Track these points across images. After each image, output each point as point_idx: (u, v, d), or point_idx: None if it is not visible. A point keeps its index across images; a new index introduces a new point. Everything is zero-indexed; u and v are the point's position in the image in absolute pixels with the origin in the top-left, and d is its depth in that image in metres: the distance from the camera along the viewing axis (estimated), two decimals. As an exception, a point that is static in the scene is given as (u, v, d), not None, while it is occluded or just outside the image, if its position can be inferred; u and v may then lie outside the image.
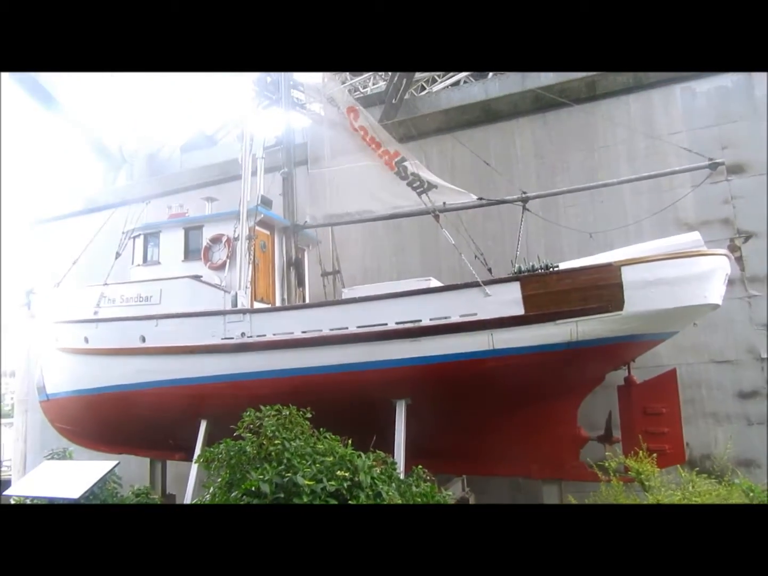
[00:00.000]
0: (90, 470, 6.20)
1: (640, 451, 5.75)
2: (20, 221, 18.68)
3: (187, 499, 8.31)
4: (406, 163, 9.24)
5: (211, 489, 4.88)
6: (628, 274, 7.20)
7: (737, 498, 4.97)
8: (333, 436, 5.19)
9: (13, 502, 7.61)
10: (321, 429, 5.29)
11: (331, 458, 4.59)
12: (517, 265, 7.90)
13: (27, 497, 7.22)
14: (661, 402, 8.06)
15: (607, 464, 5.74)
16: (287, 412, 5.24)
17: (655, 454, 5.84)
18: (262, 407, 5.23)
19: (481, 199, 9.06)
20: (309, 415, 5.44)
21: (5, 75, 15.79)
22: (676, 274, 7.19)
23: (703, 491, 5.04)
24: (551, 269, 7.69)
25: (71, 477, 6.16)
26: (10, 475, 19.03)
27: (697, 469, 5.71)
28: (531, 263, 7.83)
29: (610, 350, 7.59)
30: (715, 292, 7.32)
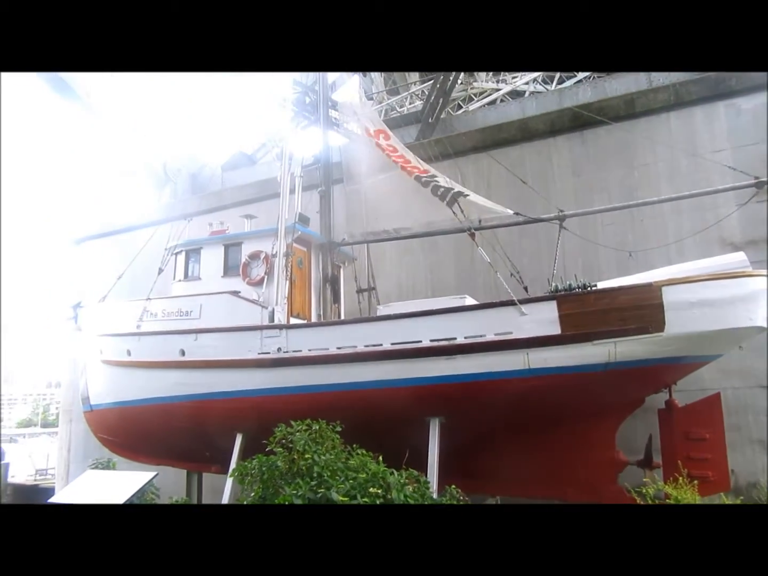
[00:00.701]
0: (130, 480, 6.37)
1: (680, 478, 5.55)
2: (66, 237, 19.47)
3: (222, 512, 8.40)
4: (437, 179, 9.27)
5: (245, 503, 4.95)
6: (669, 295, 7.03)
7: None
8: (365, 452, 5.19)
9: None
10: (354, 445, 5.30)
11: (364, 475, 4.59)
12: (553, 284, 7.81)
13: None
14: (705, 427, 7.79)
15: (645, 490, 5.57)
16: (317, 427, 5.28)
17: (696, 481, 5.63)
18: (292, 422, 5.28)
19: (517, 214, 8.99)
20: (339, 429, 5.45)
21: (47, 84, 16.45)
22: (720, 295, 6.98)
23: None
24: (589, 288, 7.58)
25: (112, 487, 6.34)
26: (53, 483, 19.61)
27: (742, 498, 5.48)
28: (568, 282, 7.73)
29: (650, 372, 7.40)
30: (760, 315, 7.07)
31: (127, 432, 11.12)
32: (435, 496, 6.10)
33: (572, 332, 7.30)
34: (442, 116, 14.40)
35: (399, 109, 19.10)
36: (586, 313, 7.34)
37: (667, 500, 5.49)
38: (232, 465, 8.69)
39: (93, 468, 8.15)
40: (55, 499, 7.24)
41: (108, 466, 8.52)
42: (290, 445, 4.89)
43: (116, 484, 6.35)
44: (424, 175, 9.34)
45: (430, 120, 13.96)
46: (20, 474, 25.33)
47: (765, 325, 7.16)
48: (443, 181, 9.24)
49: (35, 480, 24.39)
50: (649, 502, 5.33)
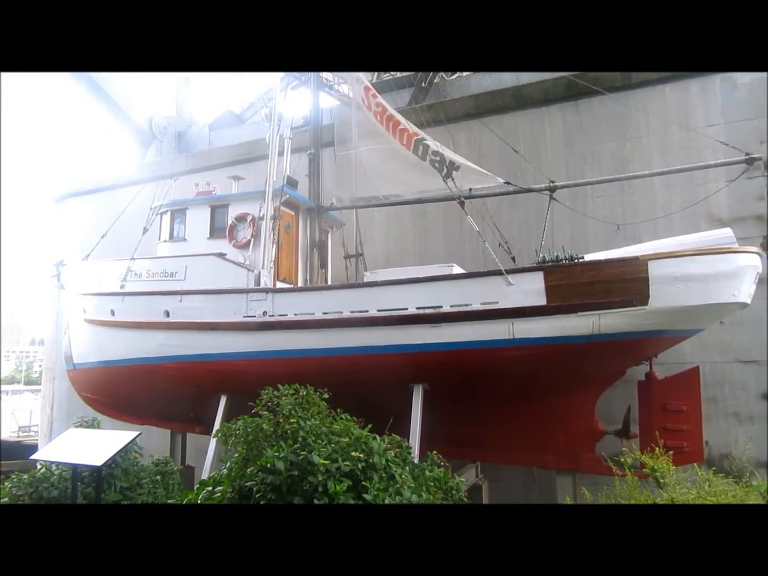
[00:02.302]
0: (113, 439, 6.38)
1: (657, 448, 5.68)
2: (49, 194, 19.06)
3: (205, 472, 8.49)
4: (426, 142, 9.14)
5: (228, 464, 4.98)
6: (655, 269, 7.07)
7: (754, 499, 4.88)
8: (349, 417, 5.23)
9: (39, 466, 7.87)
10: (338, 410, 5.34)
11: (347, 439, 4.64)
12: (541, 255, 7.83)
13: (52, 462, 7.47)
14: (682, 399, 7.96)
15: (622, 459, 5.70)
16: (304, 392, 5.30)
17: (671, 452, 5.77)
18: (279, 386, 5.29)
19: (507, 183, 8.92)
20: (326, 396, 5.49)
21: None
22: (704, 270, 7.03)
23: (719, 491, 4.96)
24: (576, 260, 7.60)
25: (95, 445, 6.35)
26: (37, 440, 19.68)
27: (715, 468, 5.62)
28: (555, 253, 7.75)
29: (632, 345, 7.50)
30: (744, 291, 7.15)
31: (110, 391, 11.13)
32: (416, 461, 6.19)
33: (557, 303, 7.35)
34: (435, 81, 14.13)
35: (392, 73, 18.68)
36: (571, 284, 7.37)
37: (643, 469, 5.62)
38: (216, 426, 8.76)
39: (77, 426, 8.16)
40: (37, 456, 7.25)
41: (92, 424, 8.53)
42: (276, 408, 4.91)
43: (99, 443, 6.37)
44: (416, 137, 9.18)
45: (423, 84, 13.70)
46: (4, 430, 25.40)
47: (748, 301, 7.26)
48: (433, 144, 9.10)
49: (18, 436, 24.48)
50: (627, 471, 5.46)
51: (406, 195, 9.71)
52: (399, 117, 9.47)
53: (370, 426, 5.03)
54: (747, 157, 7.82)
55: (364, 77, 10.19)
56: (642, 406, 8.29)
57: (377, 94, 9.72)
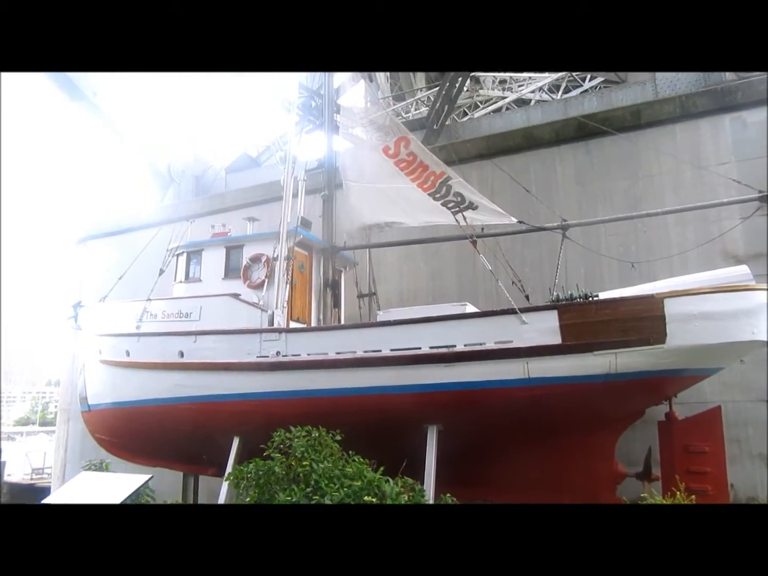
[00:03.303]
0: (125, 482, 6.33)
1: (678, 492, 5.50)
2: (70, 236, 19.50)
3: (217, 516, 8.36)
4: (451, 182, 9.27)
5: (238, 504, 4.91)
6: (671, 307, 6.99)
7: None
8: (362, 460, 5.15)
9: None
10: (350, 452, 5.26)
11: (359, 482, 4.55)
12: (555, 293, 7.79)
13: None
14: (705, 440, 7.73)
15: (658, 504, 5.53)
16: (317, 434, 5.24)
17: (694, 495, 5.58)
18: (291, 428, 5.24)
19: (521, 222, 8.97)
20: (338, 438, 5.42)
21: (54, 84, 16.52)
22: (722, 308, 6.94)
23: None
24: (591, 298, 7.54)
25: (107, 488, 6.30)
26: (50, 482, 19.56)
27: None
28: (570, 292, 7.71)
29: (650, 384, 7.35)
30: (763, 329, 7.02)
31: (124, 433, 11.08)
32: (431, 501, 6.05)
33: (573, 342, 7.27)
34: (447, 123, 14.38)
35: (404, 115, 19.11)
36: (587, 323, 7.30)
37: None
38: (228, 468, 8.66)
39: (86, 469, 8.10)
40: (49, 500, 7.20)
41: (101, 467, 8.47)
42: (288, 451, 4.85)
43: (111, 486, 6.31)
44: (442, 178, 9.34)
45: (435, 126, 13.95)
46: (17, 473, 25.30)
47: (767, 339, 7.12)
48: (456, 185, 9.22)
49: (31, 479, 24.34)
50: None
51: (413, 224, 9.76)
52: (429, 161, 9.65)
53: (382, 469, 4.94)
54: (760, 194, 7.82)
55: (399, 127, 10.40)
56: (663, 447, 8.07)
57: (410, 142, 9.94)
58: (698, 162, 9.99)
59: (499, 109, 18.03)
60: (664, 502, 5.45)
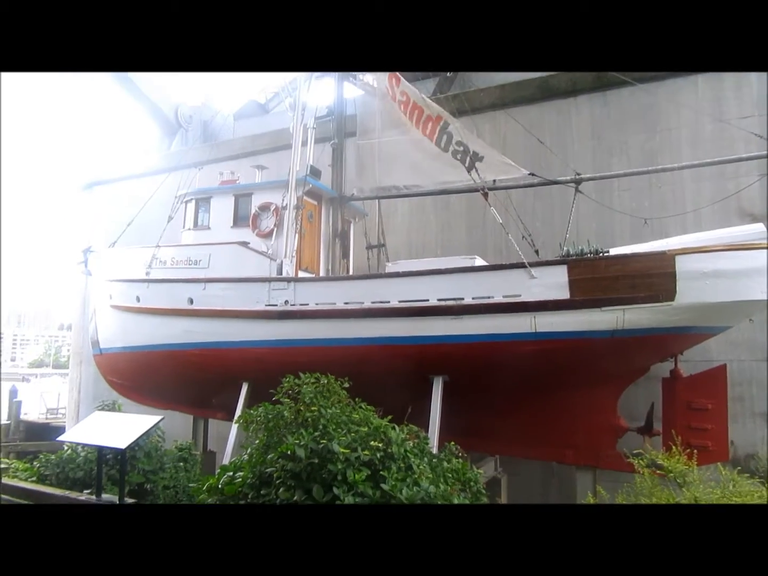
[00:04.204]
0: (136, 423, 6.49)
1: (674, 447, 5.59)
2: (77, 182, 19.39)
3: (226, 458, 8.62)
4: (450, 129, 8.99)
5: (249, 450, 5.04)
6: (682, 264, 6.93)
7: (781, 501, 4.79)
8: (368, 407, 5.24)
9: (65, 447, 8.06)
10: (357, 399, 5.36)
11: (366, 428, 4.65)
12: (565, 248, 7.72)
13: (78, 444, 7.63)
14: (708, 397, 7.81)
15: (636, 461, 5.63)
16: (325, 381, 5.32)
17: (690, 450, 5.68)
18: (301, 374, 5.33)
19: (532, 175, 8.79)
20: (347, 385, 5.51)
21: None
22: (734, 266, 6.87)
23: (744, 491, 4.87)
24: (601, 254, 7.48)
25: (119, 428, 6.46)
26: (64, 422, 20.18)
27: (740, 468, 5.51)
28: (580, 247, 7.64)
29: (657, 341, 7.37)
30: (774, 288, 6.97)
31: (135, 376, 11.34)
32: (435, 451, 6.20)
33: (581, 297, 7.26)
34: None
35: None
36: (596, 278, 7.27)
37: (659, 470, 5.55)
38: (238, 412, 8.87)
39: (99, 409, 8.33)
40: (64, 437, 7.42)
41: (114, 408, 8.70)
42: (297, 396, 4.94)
43: (123, 426, 6.48)
44: (440, 122, 9.04)
45: (448, 74, 13.57)
46: (32, 412, 26.11)
47: (778, 298, 7.07)
48: (456, 131, 8.95)
49: (47, 418, 25.12)
50: (642, 471, 5.40)
51: (427, 185, 9.63)
52: (423, 103, 9.33)
53: (390, 417, 5.04)
54: (782, 150, 7.60)
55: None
56: (666, 403, 8.16)
57: (401, 80, 9.59)
58: (719, 115, 9.68)
59: (515, 57, 17.46)
60: (660, 458, 5.55)
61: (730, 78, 10.03)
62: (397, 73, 9.66)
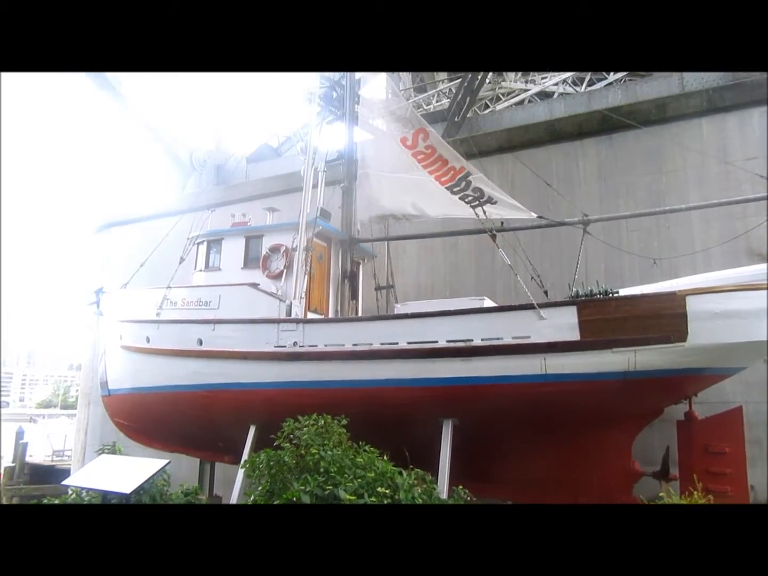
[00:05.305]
0: (142, 467, 6.44)
1: (695, 492, 5.44)
2: (90, 223, 19.77)
3: (233, 502, 8.46)
4: (470, 178, 9.20)
5: (252, 497, 4.96)
6: (693, 304, 6.88)
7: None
8: (372, 449, 5.17)
9: (70, 491, 7.97)
10: (360, 442, 5.28)
11: (372, 474, 4.58)
12: (574, 289, 7.70)
13: (83, 488, 7.56)
14: (725, 440, 7.62)
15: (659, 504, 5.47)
16: (323, 421, 5.26)
17: (711, 496, 5.51)
18: (300, 417, 5.27)
19: (541, 218, 8.89)
20: (344, 422, 5.43)
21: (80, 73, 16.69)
22: (745, 306, 6.81)
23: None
24: (610, 295, 7.45)
25: (125, 472, 6.41)
26: (70, 464, 19.98)
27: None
28: (589, 288, 7.61)
29: (670, 383, 7.26)
30: (788, 328, 6.88)
31: (142, 418, 11.27)
32: (444, 496, 6.05)
33: (591, 339, 7.19)
34: (468, 115, 14.26)
35: (426, 107, 19.01)
36: (606, 319, 7.21)
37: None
38: (245, 456, 8.75)
39: (99, 453, 8.26)
40: (68, 481, 7.37)
41: (114, 450, 8.61)
42: (297, 441, 4.89)
43: (129, 470, 6.43)
44: (462, 173, 9.26)
45: (456, 119, 13.84)
46: (38, 454, 25.89)
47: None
48: (475, 180, 9.13)
49: (52, 461, 24.90)
50: None
51: (434, 215, 9.69)
52: (448, 154, 9.57)
53: (387, 458, 4.94)
54: (788, 191, 7.62)
55: (418, 119, 10.34)
56: (682, 447, 7.98)
57: (429, 135, 9.86)
58: (724, 157, 9.78)
59: (521, 102, 17.84)
60: (683, 502, 5.39)
61: (733, 120, 10.18)
62: (426, 128, 9.93)
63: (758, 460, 8.72)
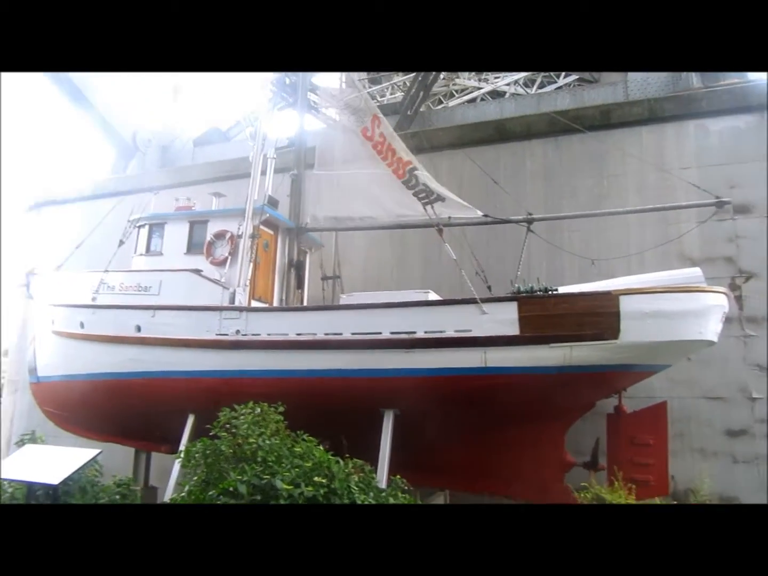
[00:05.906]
0: (72, 457, 6.18)
1: (615, 482, 5.72)
2: (23, 202, 18.70)
3: (168, 493, 8.27)
4: (417, 173, 9.24)
5: (187, 487, 4.86)
6: (626, 304, 7.19)
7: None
8: (310, 438, 5.16)
9: (-7, 481, 7.59)
10: (299, 431, 5.27)
11: (310, 463, 4.57)
12: (516, 285, 7.90)
13: (6, 480, 7.20)
14: (650, 433, 8.04)
15: (581, 494, 5.73)
16: (260, 410, 5.21)
17: (633, 485, 5.81)
18: (236, 406, 5.20)
19: (486, 216, 9.07)
20: (281, 410, 5.39)
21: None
22: (674, 307, 7.18)
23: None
24: (550, 292, 7.69)
25: (52, 463, 6.14)
26: (-5, 454, 18.98)
27: (676, 503, 5.66)
28: (530, 285, 7.83)
29: (602, 377, 7.57)
30: (711, 329, 7.32)
31: (74, 406, 10.80)
32: (383, 485, 6.12)
33: (530, 334, 7.41)
34: (421, 110, 14.36)
35: (379, 99, 18.96)
36: (545, 316, 7.45)
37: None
38: (182, 446, 8.55)
39: (19, 445, 7.86)
40: (-8, 471, 7.00)
41: (34, 439, 8.21)
42: (234, 430, 4.82)
43: (57, 460, 6.16)
44: (409, 166, 9.26)
45: (409, 112, 13.92)
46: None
47: (714, 340, 7.42)
48: (422, 176, 9.18)
49: (-24, 450, 23.56)
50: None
51: (383, 218, 9.74)
52: (398, 145, 9.57)
53: (330, 452, 4.95)
54: (717, 200, 8.10)
55: (373, 105, 10.29)
56: (610, 438, 8.34)
57: (382, 122, 9.82)
58: (662, 165, 10.23)
59: (473, 100, 18.05)
60: (602, 492, 5.66)
61: (671, 130, 10.67)
62: (379, 115, 9.87)
63: (679, 452, 9.23)
